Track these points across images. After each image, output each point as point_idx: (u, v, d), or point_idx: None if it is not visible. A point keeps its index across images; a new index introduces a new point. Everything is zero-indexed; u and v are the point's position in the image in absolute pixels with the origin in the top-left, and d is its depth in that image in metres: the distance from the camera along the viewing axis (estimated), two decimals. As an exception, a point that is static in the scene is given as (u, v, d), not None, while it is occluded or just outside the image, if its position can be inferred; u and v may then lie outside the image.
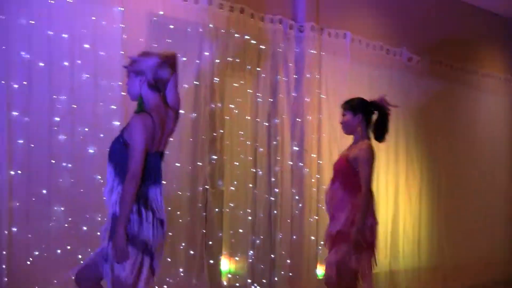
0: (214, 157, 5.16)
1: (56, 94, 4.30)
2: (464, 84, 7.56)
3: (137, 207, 2.95)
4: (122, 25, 4.55)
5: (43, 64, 4.26)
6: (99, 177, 4.36)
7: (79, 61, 4.37)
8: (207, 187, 5.09)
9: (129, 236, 2.91)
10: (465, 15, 7.71)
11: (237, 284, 5.33)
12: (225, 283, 5.27)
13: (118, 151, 3.00)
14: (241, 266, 5.36)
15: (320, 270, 5.69)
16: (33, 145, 4.20)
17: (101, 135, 4.40)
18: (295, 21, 5.79)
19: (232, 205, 5.34)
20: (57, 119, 4.29)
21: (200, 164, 5.04)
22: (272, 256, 5.53)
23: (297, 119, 5.76)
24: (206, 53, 5.08)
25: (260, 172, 5.51)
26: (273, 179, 5.58)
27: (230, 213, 5.31)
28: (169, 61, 3.06)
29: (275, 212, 5.55)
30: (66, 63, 4.33)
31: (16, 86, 4.14)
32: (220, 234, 5.22)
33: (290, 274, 5.60)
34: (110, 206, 3.01)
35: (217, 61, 5.16)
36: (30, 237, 4.17)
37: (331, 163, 4.40)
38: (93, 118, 4.42)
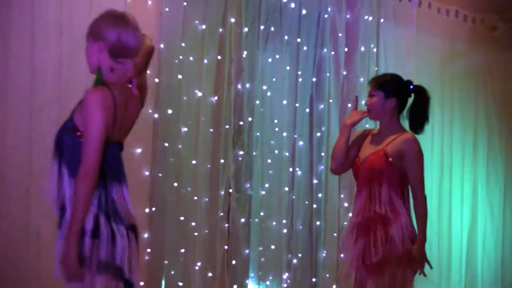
0: (240, 152, 4.94)
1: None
2: None
3: (106, 220, 2.59)
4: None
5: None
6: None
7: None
8: (231, 191, 4.88)
9: (102, 263, 2.61)
10: None
11: (268, 316, 5.15)
12: (253, 314, 5.10)
13: (67, 140, 2.66)
14: (273, 293, 5.18)
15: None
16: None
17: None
18: (346, -21, 5.61)
19: (262, 214, 5.07)
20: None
21: (222, 161, 4.85)
22: (314, 280, 5.26)
23: (348, 105, 5.43)
24: (232, 19, 4.83)
25: (299, 172, 5.22)
26: (315, 181, 5.30)
27: (259, 224, 5.07)
28: (135, 25, 2.70)
29: (318, 223, 5.29)
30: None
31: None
32: (247, 252, 4.95)
33: (336, 302, 5.36)
34: (60, 215, 2.66)
35: (246, 29, 4.92)
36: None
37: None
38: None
